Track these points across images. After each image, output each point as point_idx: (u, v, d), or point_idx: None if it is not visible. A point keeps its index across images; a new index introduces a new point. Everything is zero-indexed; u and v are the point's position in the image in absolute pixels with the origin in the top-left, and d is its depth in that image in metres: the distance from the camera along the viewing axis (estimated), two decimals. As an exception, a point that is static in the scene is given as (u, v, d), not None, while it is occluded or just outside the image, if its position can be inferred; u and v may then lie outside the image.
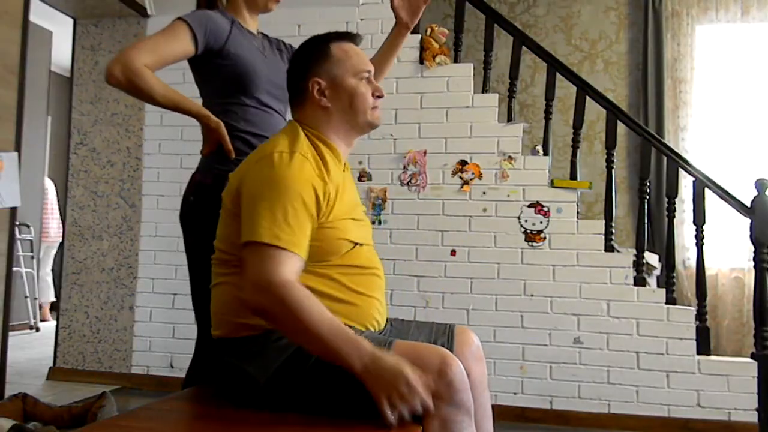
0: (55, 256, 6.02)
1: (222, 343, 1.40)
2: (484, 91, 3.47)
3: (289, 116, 1.89)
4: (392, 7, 1.92)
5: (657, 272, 3.75)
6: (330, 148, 1.46)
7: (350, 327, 1.36)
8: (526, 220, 3.26)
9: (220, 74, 1.72)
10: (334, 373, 1.25)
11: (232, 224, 1.37)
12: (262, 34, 1.89)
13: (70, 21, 3.91)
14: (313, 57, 1.48)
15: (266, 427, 1.22)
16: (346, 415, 1.25)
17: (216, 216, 1.63)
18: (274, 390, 1.29)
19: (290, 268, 1.25)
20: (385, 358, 1.19)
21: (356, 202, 1.53)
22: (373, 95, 1.49)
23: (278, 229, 1.25)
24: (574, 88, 3.37)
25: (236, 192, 1.37)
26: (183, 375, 1.82)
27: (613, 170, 3.30)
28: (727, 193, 3.09)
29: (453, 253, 3.32)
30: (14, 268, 3.10)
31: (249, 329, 1.33)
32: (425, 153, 3.40)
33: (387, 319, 1.56)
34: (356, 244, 1.42)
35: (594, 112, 4.15)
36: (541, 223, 3.24)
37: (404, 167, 3.42)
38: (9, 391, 2.87)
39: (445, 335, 1.55)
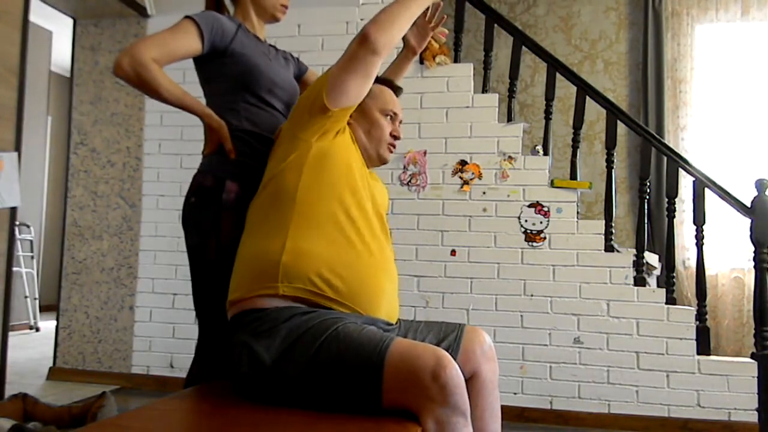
0: (56, 255, 6.03)
1: (234, 318, 1.43)
2: (484, 91, 3.47)
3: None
4: None
5: (657, 272, 3.75)
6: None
7: (352, 313, 1.39)
8: (526, 220, 3.26)
9: (224, 72, 1.73)
10: (335, 363, 1.26)
11: (278, 151, 1.54)
12: (269, 44, 1.91)
13: (70, 21, 3.91)
14: None
15: (267, 426, 1.23)
16: (348, 407, 1.26)
17: (216, 217, 1.64)
18: (279, 372, 1.30)
19: None
20: None
21: (381, 205, 1.60)
22: (390, 134, 1.67)
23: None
24: (574, 88, 3.37)
25: (278, 134, 1.58)
26: (183, 375, 1.82)
27: (613, 170, 3.30)
28: (727, 193, 3.09)
29: (453, 253, 3.32)
30: (14, 268, 3.10)
31: (262, 289, 1.38)
32: (425, 153, 3.40)
33: (398, 320, 1.58)
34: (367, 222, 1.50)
35: (594, 112, 4.16)
36: (541, 223, 3.24)
37: (404, 167, 3.42)
38: (9, 391, 2.87)
39: (453, 334, 1.57)
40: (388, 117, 1.67)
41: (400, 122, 1.72)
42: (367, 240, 1.46)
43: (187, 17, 1.66)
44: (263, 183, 1.53)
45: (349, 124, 1.59)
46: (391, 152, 1.69)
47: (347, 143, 1.54)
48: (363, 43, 1.46)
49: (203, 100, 1.76)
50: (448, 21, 4.08)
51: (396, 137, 1.69)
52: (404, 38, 1.96)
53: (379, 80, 1.68)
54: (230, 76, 1.72)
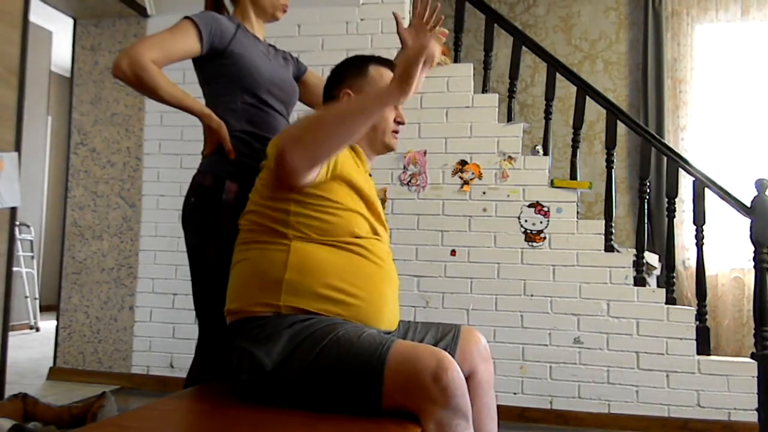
0: (56, 255, 6.03)
1: (234, 324, 1.42)
2: (484, 91, 3.47)
3: (291, 118, 1.91)
4: (398, 33, 1.92)
5: (657, 272, 3.75)
6: (354, 150, 1.55)
7: (355, 323, 1.38)
8: (526, 220, 3.26)
9: (223, 73, 1.73)
10: (335, 367, 1.26)
11: (262, 179, 1.46)
12: (269, 44, 1.91)
13: (70, 21, 3.91)
14: (350, 70, 1.63)
15: (267, 427, 1.23)
16: (348, 411, 1.26)
17: (216, 217, 1.64)
18: (280, 377, 1.30)
19: None
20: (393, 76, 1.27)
21: (378, 207, 1.56)
22: (394, 120, 1.60)
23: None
24: (574, 88, 3.37)
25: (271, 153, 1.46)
26: (183, 375, 1.82)
27: (613, 170, 3.30)
28: (727, 193, 3.09)
29: (453, 253, 3.32)
30: (14, 268, 3.10)
31: (263, 305, 1.37)
32: (425, 153, 3.40)
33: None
34: (377, 233, 1.47)
35: (594, 112, 4.15)
36: (541, 223, 3.24)
37: (404, 167, 3.42)
38: (9, 391, 2.86)
39: (450, 334, 1.56)
40: None
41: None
42: (368, 249, 1.44)
43: (186, 18, 1.66)
44: (253, 198, 1.48)
45: None
46: (396, 138, 1.63)
47: (341, 167, 1.44)
48: (279, 164, 1.30)
49: (202, 101, 1.76)
50: (448, 21, 4.08)
51: (400, 122, 1.62)
52: (401, 40, 1.94)
53: (374, 60, 1.63)
54: (229, 76, 1.72)
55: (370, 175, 1.62)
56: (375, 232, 1.49)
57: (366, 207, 1.49)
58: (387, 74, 1.60)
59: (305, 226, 1.40)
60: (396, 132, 1.62)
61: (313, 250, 1.38)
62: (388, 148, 1.63)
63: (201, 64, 1.75)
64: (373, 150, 1.62)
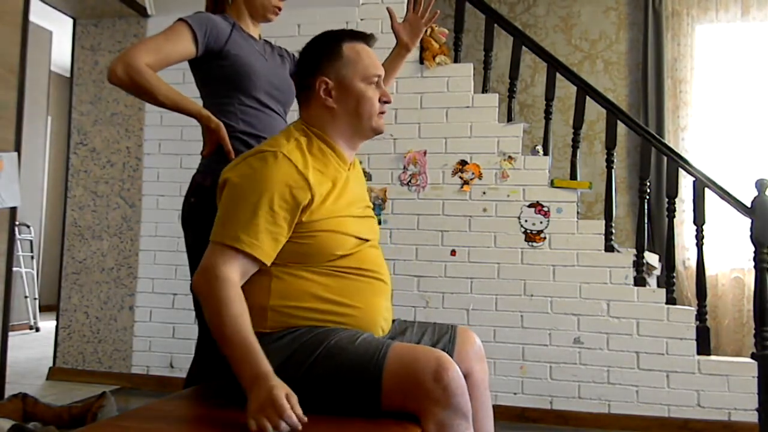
0: (56, 255, 6.03)
1: None
2: (484, 91, 3.47)
3: (288, 118, 1.90)
4: (393, 28, 1.92)
5: (657, 272, 3.75)
6: (332, 149, 1.45)
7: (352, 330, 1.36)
8: (526, 220, 3.26)
9: (219, 74, 1.72)
10: (332, 375, 1.25)
11: None
12: (265, 40, 1.90)
13: (70, 21, 3.91)
14: (323, 55, 1.45)
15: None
16: (346, 415, 1.25)
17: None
18: None
19: (237, 267, 1.28)
20: (267, 383, 1.16)
21: (360, 199, 1.50)
22: (380, 100, 1.46)
23: (241, 231, 1.29)
24: (574, 88, 3.37)
25: (221, 186, 1.40)
26: (183, 375, 1.82)
27: (613, 170, 3.30)
28: (727, 193, 3.09)
29: (453, 253, 3.32)
30: (14, 268, 3.10)
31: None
32: (425, 153, 3.40)
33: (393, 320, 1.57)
34: (362, 239, 1.41)
35: (594, 112, 4.15)
36: (541, 223, 3.24)
37: (404, 167, 3.42)
38: (9, 391, 2.86)
39: (447, 335, 1.56)
40: (372, 83, 1.45)
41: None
42: (354, 266, 1.39)
43: (180, 20, 1.66)
44: None
45: (330, 107, 1.43)
46: (383, 119, 1.48)
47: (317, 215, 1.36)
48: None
49: (200, 102, 1.76)
50: (448, 21, 4.08)
51: (386, 102, 1.47)
52: (396, 35, 1.92)
53: (347, 36, 1.46)
54: (226, 78, 1.72)
55: (364, 171, 1.57)
56: (360, 239, 1.41)
57: (349, 210, 1.41)
58: (364, 51, 1.46)
59: (283, 252, 1.33)
60: (383, 113, 1.47)
61: (296, 273, 1.34)
62: (377, 132, 1.48)
63: (197, 65, 1.75)
64: (360, 137, 1.48)
